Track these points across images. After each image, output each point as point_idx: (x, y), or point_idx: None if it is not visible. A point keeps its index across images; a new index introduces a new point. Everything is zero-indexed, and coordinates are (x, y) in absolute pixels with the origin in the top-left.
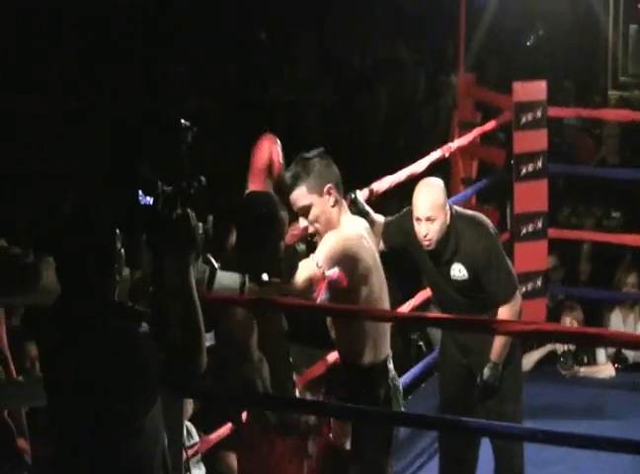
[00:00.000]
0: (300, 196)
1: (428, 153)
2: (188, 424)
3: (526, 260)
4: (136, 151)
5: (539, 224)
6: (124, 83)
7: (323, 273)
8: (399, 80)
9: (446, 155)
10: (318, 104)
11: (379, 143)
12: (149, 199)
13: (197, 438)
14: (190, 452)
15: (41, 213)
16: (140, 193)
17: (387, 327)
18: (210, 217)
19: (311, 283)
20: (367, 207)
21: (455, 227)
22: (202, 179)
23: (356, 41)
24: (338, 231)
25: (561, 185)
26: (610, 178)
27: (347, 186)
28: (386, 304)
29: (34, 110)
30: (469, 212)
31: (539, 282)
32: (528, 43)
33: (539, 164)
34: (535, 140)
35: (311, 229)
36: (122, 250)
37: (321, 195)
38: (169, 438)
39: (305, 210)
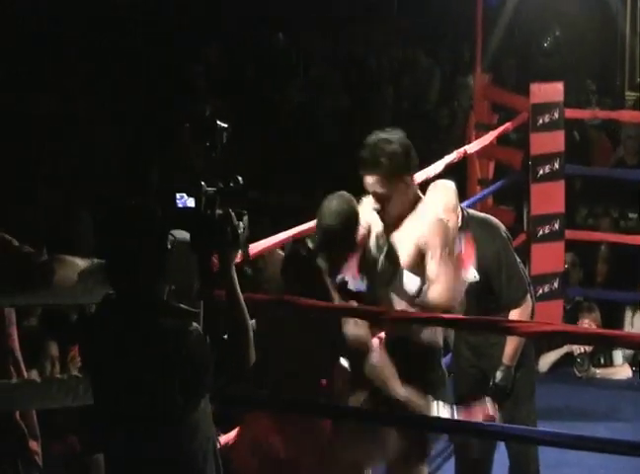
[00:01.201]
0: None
1: (444, 154)
2: None
3: (543, 261)
4: (171, 153)
5: (556, 226)
6: (156, 84)
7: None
8: (416, 81)
9: (462, 157)
10: (333, 105)
11: None
12: (185, 201)
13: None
14: None
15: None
16: (178, 195)
17: None
18: (246, 216)
19: None
20: None
21: (467, 229)
22: (239, 178)
23: (374, 43)
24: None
25: (578, 186)
26: (628, 179)
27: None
28: None
29: (60, 111)
30: (481, 215)
31: (556, 284)
32: (545, 45)
33: (556, 165)
34: (552, 142)
35: None
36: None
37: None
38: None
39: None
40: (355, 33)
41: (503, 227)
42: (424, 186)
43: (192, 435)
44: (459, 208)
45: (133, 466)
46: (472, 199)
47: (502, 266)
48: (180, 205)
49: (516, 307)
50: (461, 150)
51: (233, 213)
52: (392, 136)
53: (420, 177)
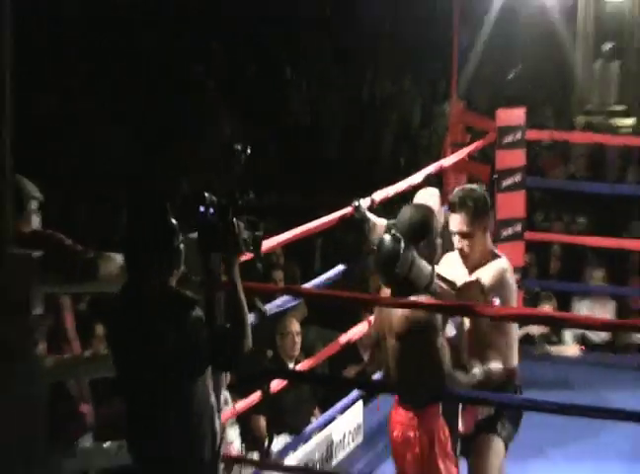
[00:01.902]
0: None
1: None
2: (225, 392)
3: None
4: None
5: (517, 228)
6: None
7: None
8: (401, 108)
9: (441, 170)
10: (335, 128)
11: (386, 161)
12: (203, 209)
13: (231, 404)
14: (227, 415)
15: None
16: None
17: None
18: (262, 226)
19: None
20: (369, 214)
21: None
22: (252, 194)
23: (367, 74)
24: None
25: (536, 195)
26: (578, 190)
27: (358, 196)
28: None
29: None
30: None
31: (517, 277)
32: (510, 77)
33: (518, 178)
34: (515, 158)
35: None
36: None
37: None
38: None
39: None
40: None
41: None
42: (411, 192)
43: (192, 401)
44: (443, 212)
45: (149, 420)
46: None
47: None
48: (200, 213)
49: None
50: (438, 164)
51: (242, 222)
52: (477, 188)
53: (405, 185)
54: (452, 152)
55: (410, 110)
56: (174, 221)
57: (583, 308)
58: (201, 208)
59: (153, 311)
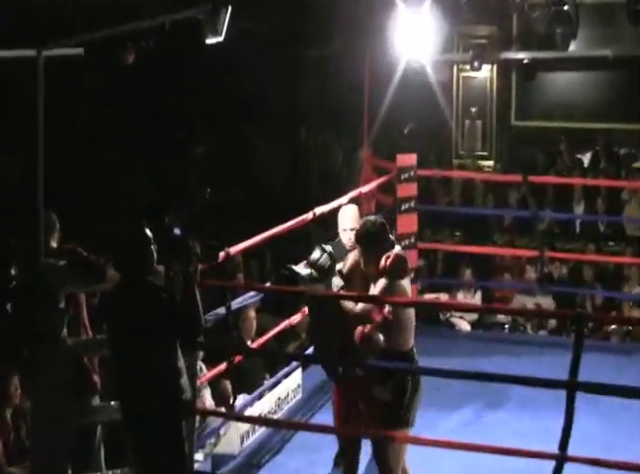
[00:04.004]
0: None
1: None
2: (200, 363)
3: None
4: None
5: (412, 240)
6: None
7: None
8: (327, 155)
9: (359, 195)
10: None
11: (318, 193)
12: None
13: (205, 371)
14: (202, 380)
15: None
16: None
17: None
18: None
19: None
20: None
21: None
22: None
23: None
24: None
25: (425, 216)
26: (455, 213)
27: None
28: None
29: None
30: None
31: (412, 275)
32: (405, 131)
33: (412, 204)
34: (410, 189)
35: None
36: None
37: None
38: (189, 371)
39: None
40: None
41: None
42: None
43: (167, 359)
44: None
45: (132, 379)
46: None
47: None
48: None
49: None
50: (358, 191)
51: (195, 243)
52: (370, 221)
53: (336, 203)
54: (365, 186)
55: (334, 155)
56: (149, 234)
57: (459, 298)
58: (175, 229)
59: (139, 298)
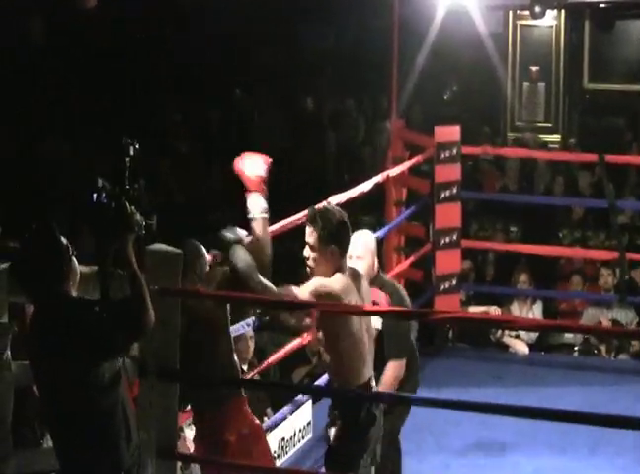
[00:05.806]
0: (310, 236)
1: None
2: None
3: (445, 265)
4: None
5: (454, 237)
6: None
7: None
8: (346, 126)
9: (386, 179)
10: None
11: (332, 176)
12: (96, 195)
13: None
14: (184, 416)
15: None
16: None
17: (370, 352)
18: (155, 215)
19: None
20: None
21: (381, 281)
22: (142, 182)
23: (313, 94)
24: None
25: (471, 206)
26: (510, 202)
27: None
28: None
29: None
30: (390, 279)
31: (454, 282)
32: (445, 97)
33: (454, 190)
34: (451, 172)
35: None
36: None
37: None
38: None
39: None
40: (299, 83)
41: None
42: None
43: (102, 389)
44: (376, 259)
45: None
46: (393, 223)
47: (398, 326)
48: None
49: (392, 360)
50: (385, 174)
51: (132, 208)
52: (335, 212)
53: (355, 192)
54: (394, 167)
55: (353, 127)
56: (63, 239)
57: (512, 310)
58: (94, 194)
59: (55, 316)
